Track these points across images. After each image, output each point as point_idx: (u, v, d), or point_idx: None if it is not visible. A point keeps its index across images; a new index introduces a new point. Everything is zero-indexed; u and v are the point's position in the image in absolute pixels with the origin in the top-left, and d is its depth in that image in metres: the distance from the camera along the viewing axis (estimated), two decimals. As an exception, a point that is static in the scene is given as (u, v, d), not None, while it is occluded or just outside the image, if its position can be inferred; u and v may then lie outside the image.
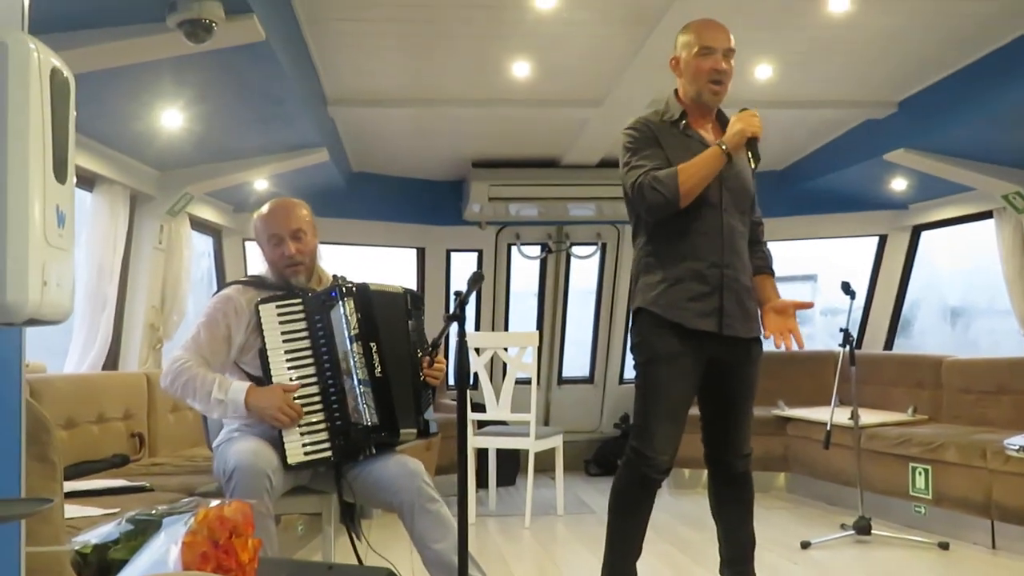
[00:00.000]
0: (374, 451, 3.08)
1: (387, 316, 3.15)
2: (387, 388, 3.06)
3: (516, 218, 7.04)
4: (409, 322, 3.22)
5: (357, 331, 3.05)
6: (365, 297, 3.11)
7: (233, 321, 3.09)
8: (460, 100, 5.23)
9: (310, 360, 3.07)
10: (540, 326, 7.61)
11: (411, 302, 3.25)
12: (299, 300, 3.11)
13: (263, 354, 3.05)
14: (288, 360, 3.05)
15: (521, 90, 5.03)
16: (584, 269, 7.65)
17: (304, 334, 3.08)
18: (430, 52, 4.57)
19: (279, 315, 3.07)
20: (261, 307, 3.07)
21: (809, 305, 3.13)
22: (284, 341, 3.06)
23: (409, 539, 2.99)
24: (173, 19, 3.14)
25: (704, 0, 3.76)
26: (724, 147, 2.89)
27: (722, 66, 2.99)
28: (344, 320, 3.05)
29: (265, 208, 3.26)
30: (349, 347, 3.05)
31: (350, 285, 3.12)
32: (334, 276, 3.24)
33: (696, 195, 2.87)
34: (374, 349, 3.07)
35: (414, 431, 3.15)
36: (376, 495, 3.06)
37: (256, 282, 3.22)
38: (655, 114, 3.08)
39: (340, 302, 3.07)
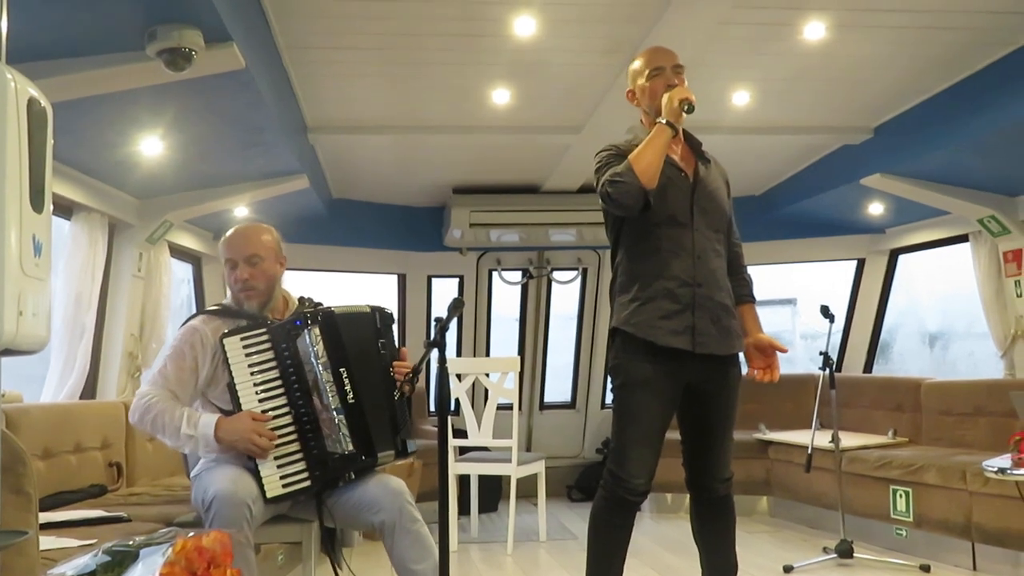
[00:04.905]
0: (353, 476, 3.06)
1: (356, 339, 3.13)
2: (361, 413, 3.05)
3: (497, 244, 7.06)
4: (380, 341, 3.20)
5: (325, 358, 3.04)
6: (331, 323, 3.08)
7: (199, 352, 3.06)
8: (440, 127, 5.26)
9: (280, 391, 3.03)
10: (522, 351, 7.61)
11: (380, 320, 3.23)
12: (264, 331, 3.06)
13: (232, 388, 3.01)
14: (258, 392, 3.01)
15: (501, 117, 5.06)
16: (565, 294, 7.66)
17: (272, 364, 3.04)
18: (410, 79, 4.60)
19: (244, 347, 3.03)
20: (226, 341, 3.02)
21: (785, 349, 3.18)
22: (252, 373, 3.02)
23: (390, 565, 2.98)
24: (153, 48, 3.14)
25: (679, 28, 3.83)
26: (663, 120, 2.92)
27: (673, 81, 3.04)
28: (311, 348, 3.04)
29: (228, 232, 3.26)
30: (319, 374, 3.03)
31: (315, 311, 3.10)
32: (300, 299, 3.23)
33: (656, 172, 2.88)
34: (344, 374, 3.05)
35: (392, 453, 3.15)
36: (358, 515, 3.04)
37: (222, 311, 3.18)
38: (625, 142, 3.11)
39: (306, 330, 3.05)
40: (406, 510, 2.98)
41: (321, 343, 3.05)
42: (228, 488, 2.79)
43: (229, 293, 3.24)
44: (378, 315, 3.23)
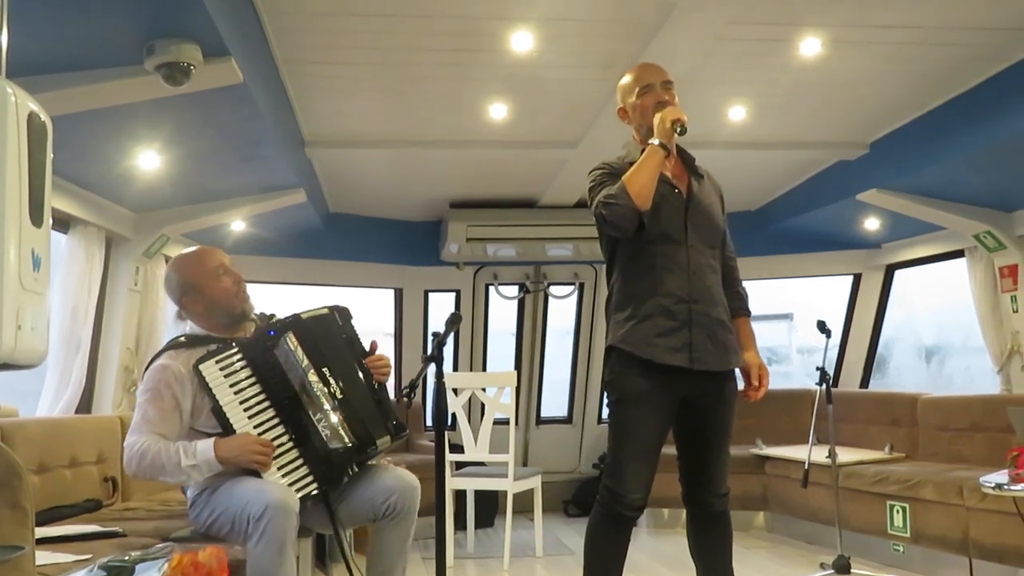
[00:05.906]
0: (356, 469, 3.10)
1: (328, 338, 3.20)
2: (351, 405, 3.10)
3: (494, 258, 7.06)
4: (344, 336, 3.27)
5: (306, 361, 3.10)
6: (303, 327, 3.16)
7: (177, 389, 3.02)
8: (437, 141, 5.27)
9: (267, 404, 3.06)
10: (518, 366, 7.60)
11: (340, 317, 3.30)
12: (237, 350, 3.09)
13: (218, 411, 3.00)
14: (246, 410, 3.02)
15: (498, 132, 5.07)
16: (562, 309, 7.66)
17: (252, 380, 3.06)
18: (407, 94, 4.61)
19: (221, 369, 3.04)
20: (201, 367, 3.02)
21: (756, 387, 3.13)
22: (236, 393, 3.03)
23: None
24: (151, 62, 3.15)
25: (676, 44, 3.84)
26: (656, 141, 2.94)
27: (664, 97, 3.06)
28: (292, 354, 3.09)
29: (188, 251, 3.29)
30: (305, 377, 3.08)
31: (283, 320, 3.17)
32: (261, 314, 3.26)
33: (650, 194, 2.90)
34: (328, 372, 3.11)
35: (388, 438, 3.18)
36: (372, 501, 3.06)
37: (187, 342, 3.16)
38: (618, 159, 3.12)
39: (282, 338, 3.10)
40: (415, 507, 3.07)
41: (300, 347, 3.11)
42: (280, 497, 2.77)
43: (190, 323, 3.24)
44: (337, 313, 3.31)
